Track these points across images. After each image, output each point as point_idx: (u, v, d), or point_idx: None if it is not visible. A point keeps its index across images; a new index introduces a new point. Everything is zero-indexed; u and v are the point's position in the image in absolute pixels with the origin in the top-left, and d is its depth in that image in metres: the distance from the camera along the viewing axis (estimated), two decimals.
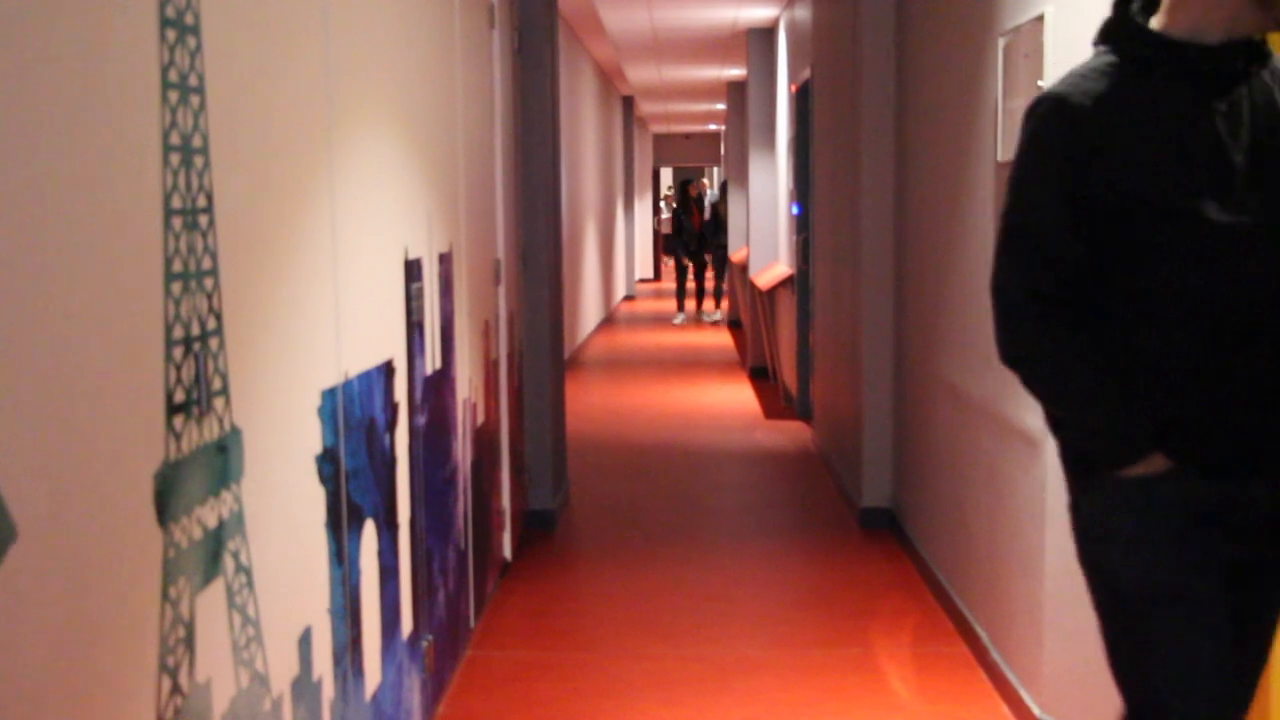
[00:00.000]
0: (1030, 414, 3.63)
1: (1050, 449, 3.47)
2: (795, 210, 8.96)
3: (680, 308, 16.86)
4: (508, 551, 5.26)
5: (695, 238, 16.16)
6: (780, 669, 4.23)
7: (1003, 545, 3.95)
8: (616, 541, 5.93)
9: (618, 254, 19.37)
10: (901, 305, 5.73)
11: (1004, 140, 3.82)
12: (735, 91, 15.54)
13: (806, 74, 8.27)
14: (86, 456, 1.67)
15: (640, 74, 15.79)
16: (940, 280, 4.81)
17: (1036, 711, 3.60)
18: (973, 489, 4.32)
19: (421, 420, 3.65)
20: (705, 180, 16.29)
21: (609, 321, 16.80)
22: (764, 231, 11.25)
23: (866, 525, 5.97)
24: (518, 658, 4.37)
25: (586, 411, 9.29)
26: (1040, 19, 3.47)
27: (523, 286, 5.82)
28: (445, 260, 4.02)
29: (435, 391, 3.86)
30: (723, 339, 14.51)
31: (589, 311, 14.41)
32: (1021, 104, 3.62)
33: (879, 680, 4.12)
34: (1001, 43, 3.82)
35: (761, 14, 10.70)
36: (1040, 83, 3.46)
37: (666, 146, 29.83)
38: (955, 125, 4.53)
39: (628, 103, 20.36)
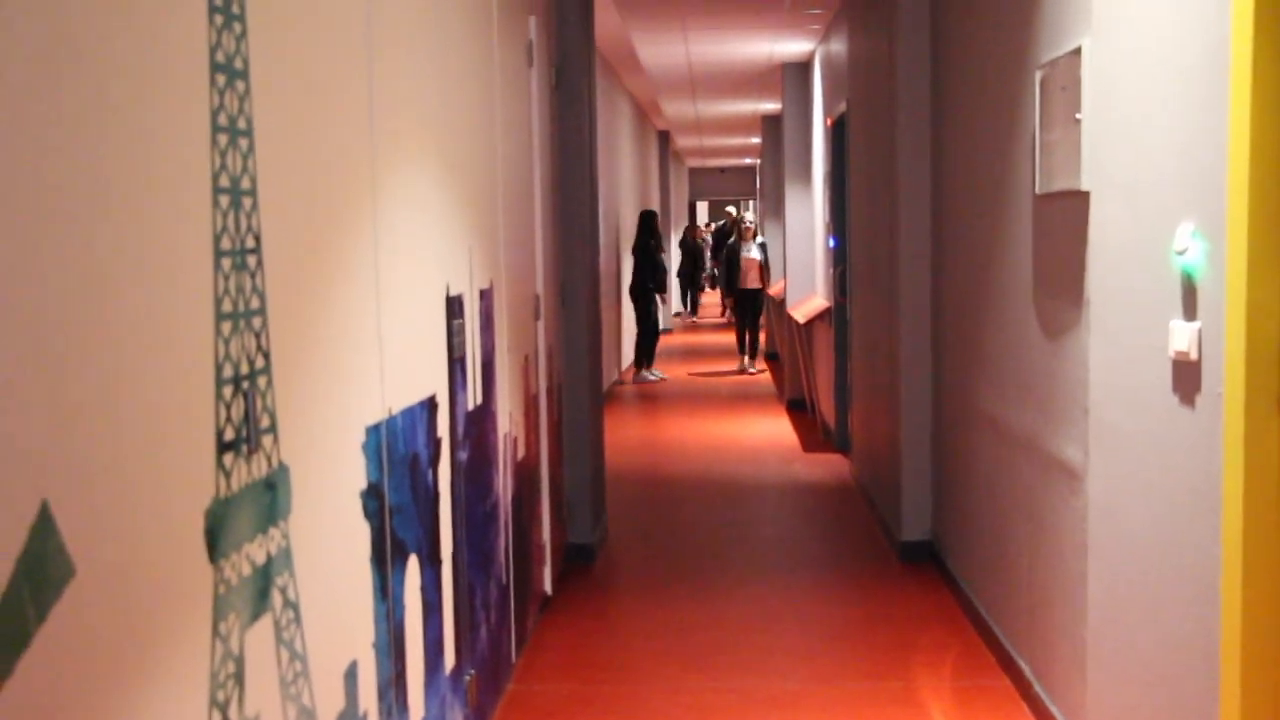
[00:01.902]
0: (1071, 445, 3.62)
1: (1092, 480, 3.46)
2: (832, 243, 8.97)
3: (638, 365, 13.53)
4: (548, 585, 5.27)
5: (634, 278, 13.05)
6: (821, 702, 4.22)
7: (1044, 577, 3.93)
8: (655, 574, 5.93)
9: None
10: (939, 337, 5.72)
11: (1041, 173, 3.82)
12: (770, 125, 15.60)
13: (842, 108, 8.30)
14: (141, 495, 1.70)
15: (676, 108, 15.87)
16: (979, 312, 4.81)
17: None
18: (1013, 521, 4.31)
19: (463, 455, 3.68)
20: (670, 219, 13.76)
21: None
22: (801, 264, 11.26)
23: (906, 558, 5.95)
24: (559, 691, 4.38)
25: (625, 445, 9.30)
26: (1077, 52, 3.48)
27: (561, 321, 5.85)
28: (486, 296, 4.06)
29: (477, 426, 3.89)
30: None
31: (626, 345, 14.43)
32: (1059, 137, 3.63)
33: (921, 714, 4.09)
34: (1038, 75, 3.83)
35: (797, 49, 10.75)
36: (1078, 116, 3.47)
37: (702, 180, 29.93)
38: (992, 158, 4.54)
39: (664, 137, 20.46)
